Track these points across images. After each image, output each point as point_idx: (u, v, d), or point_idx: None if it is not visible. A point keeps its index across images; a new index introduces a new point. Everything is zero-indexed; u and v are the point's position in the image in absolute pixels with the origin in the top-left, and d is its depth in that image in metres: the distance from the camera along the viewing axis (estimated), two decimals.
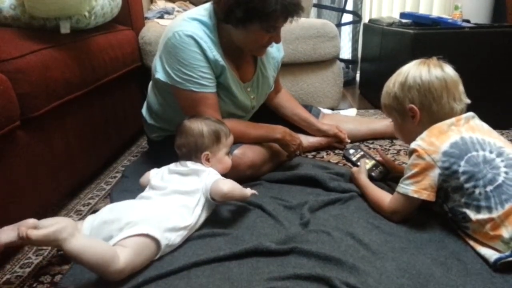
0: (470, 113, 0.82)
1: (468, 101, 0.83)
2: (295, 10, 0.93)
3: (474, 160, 0.75)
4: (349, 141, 1.29)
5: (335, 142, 1.30)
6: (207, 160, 0.88)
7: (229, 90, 1.04)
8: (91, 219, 0.75)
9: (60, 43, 0.98)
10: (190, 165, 0.87)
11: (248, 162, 1.03)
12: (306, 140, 1.27)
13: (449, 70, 0.82)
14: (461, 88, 0.82)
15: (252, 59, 1.12)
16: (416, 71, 0.82)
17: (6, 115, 0.75)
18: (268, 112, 1.26)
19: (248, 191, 0.84)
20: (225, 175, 1.00)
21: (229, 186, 0.82)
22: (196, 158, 0.88)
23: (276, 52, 1.18)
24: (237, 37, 0.99)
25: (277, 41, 1.01)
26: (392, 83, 0.86)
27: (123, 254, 0.67)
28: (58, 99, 0.93)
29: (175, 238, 0.76)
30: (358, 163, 1.04)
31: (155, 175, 0.88)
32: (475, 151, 0.76)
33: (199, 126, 0.89)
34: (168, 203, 0.79)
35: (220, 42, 1.00)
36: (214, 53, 0.98)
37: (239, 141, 1.03)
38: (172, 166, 0.89)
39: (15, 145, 0.81)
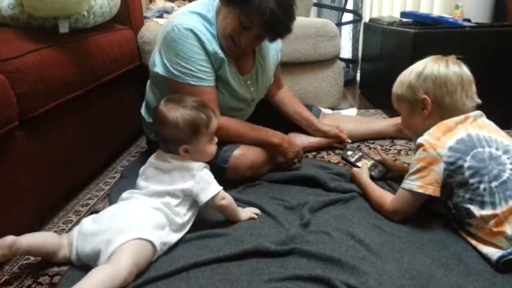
0: (478, 112, 0.82)
1: (479, 101, 0.83)
2: (276, 21, 0.89)
3: (480, 156, 0.75)
4: (349, 141, 1.28)
5: (336, 142, 1.30)
6: (186, 152, 0.81)
7: (228, 83, 1.04)
8: (76, 233, 0.74)
9: (59, 42, 0.98)
10: (171, 159, 0.81)
11: (247, 164, 1.02)
12: (307, 140, 1.27)
13: (465, 68, 0.83)
14: (474, 87, 0.83)
15: (251, 52, 1.11)
16: (434, 64, 0.83)
17: (4, 115, 0.74)
18: (271, 111, 1.26)
19: (244, 216, 0.85)
20: (226, 176, 1.00)
21: (228, 202, 0.82)
22: (174, 149, 0.81)
23: (274, 44, 1.17)
24: (219, 21, 0.97)
25: (244, 44, 0.96)
26: (409, 73, 0.86)
27: (123, 259, 0.66)
28: (57, 99, 0.93)
29: (166, 235, 0.76)
30: (357, 164, 1.04)
31: (141, 174, 0.85)
32: (481, 147, 0.76)
33: (174, 117, 0.79)
34: (150, 203, 0.78)
35: (218, 39, 0.99)
36: (213, 45, 0.97)
37: (237, 141, 1.02)
38: (153, 159, 0.84)
39: (13, 146, 0.80)
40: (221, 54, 0.99)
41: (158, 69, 1.00)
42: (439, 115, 0.81)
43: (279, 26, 0.92)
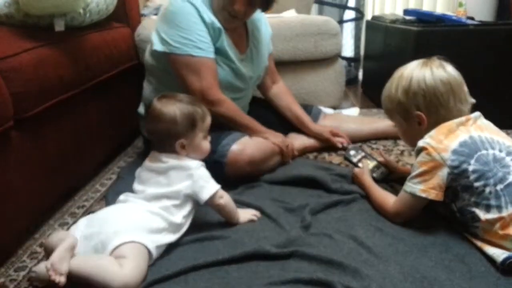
0: (477, 113, 0.81)
1: (473, 100, 0.82)
2: None
3: (484, 158, 0.74)
4: (340, 146, 1.24)
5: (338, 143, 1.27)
6: (183, 147, 0.79)
7: (227, 55, 1.05)
8: (72, 233, 0.72)
9: (54, 41, 0.96)
10: (166, 159, 0.79)
11: (246, 159, 1.01)
12: (308, 140, 1.25)
13: (451, 71, 0.80)
14: (465, 88, 0.81)
15: (244, 33, 1.13)
16: (419, 74, 0.80)
17: None
18: (270, 113, 1.25)
19: (242, 218, 0.84)
20: (224, 172, 0.98)
21: (225, 201, 0.81)
22: (170, 146, 0.79)
23: (265, 30, 1.21)
24: None
25: (238, 11, 1.00)
26: (395, 88, 0.83)
27: (125, 264, 0.65)
28: (52, 98, 0.91)
29: (162, 238, 0.74)
30: (359, 164, 1.02)
31: (137, 177, 0.83)
32: (484, 149, 0.75)
33: (171, 111, 0.78)
34: (148, 207, 0.76)
35: (214, 13, 1.02)
36: (210, 15, 1.00)
37: (233, 120, 1.05)
38: (148, 161, 0.82)
39: (8, 146, 0.79)
40: (218, 24, 1.01)
41: (157, 46, 1.02)
42: (435, 124, 0.79)
43: None
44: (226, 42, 1.04)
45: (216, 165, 0.94)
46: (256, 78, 1.18)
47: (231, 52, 1.06)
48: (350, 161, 1.06)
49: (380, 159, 1.06)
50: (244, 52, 1.12)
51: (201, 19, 0.98)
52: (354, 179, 1.00)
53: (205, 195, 0.78)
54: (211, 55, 1.01)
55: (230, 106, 1.05)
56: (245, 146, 1.02)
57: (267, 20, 1.23)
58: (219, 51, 1.03)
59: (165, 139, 0.79)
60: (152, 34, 1.06)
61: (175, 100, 0.80)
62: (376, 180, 0.97)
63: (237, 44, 1.10)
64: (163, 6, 1.09)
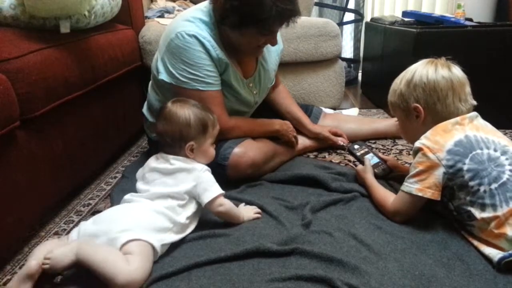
0: (474, 113, 0.82)
1: (474, 102, 0.83)
2: (290, 15, 0.94)
3: (479, 158, 0.75)
4: (341, 143, 1.26)
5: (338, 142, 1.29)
6: (191, 150, 0.83)
7: (232, 87, 1.05)
8: (75, 234, 0.73)
9: (60, 42, 0.98)
10: (174, 161, 0.82)
11: (249, 161, 1.02)
12: (308, 140, 1.27)
13: (456, 71, 0.82)
14: (467, 89, 0.82)
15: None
16: (423, 70, 0.82)
17: (5, 115, 0.74)
18: (267, 111, 1.26)
19: (247, 217, 0.85)
20: (226, 174, 1.00)
21: (225, 209, 0.82)
22: (179, 148, 0.83)
23: (275, 46, 1.17)
24: (233, 38, 0.99)
25: (273, 43, 1.00)
26: (399, 81, 0.86)
27: (132, 261, 0.66)
28: (58, 99, 0.93)
29: (167, 237, 0.76)
30: (362, 158, 1.04)
31: (141, 178, 0.85)
32: (479, 149, 0.76)
33: (185, 114, 0.83)
34: (153, 206, 0.77)
35: (221, 40, 1.00)
36: (217, 51, 0.98)
37: (248, 136, 1.07)
38: (153, 161, 0.84)
39: (14, 146, 0.80)
40: (225, 60, 1.00)
41: (163, 76, 1.00)
42: (433, 120, 0.81)
43: (293, 16, 0.95)
44: (232, 75, 1.03)
45: (218, 168, 0.95)
46: (260, 101, 1.19)
47: (237, 84, 1.06)
48: (353, 154, 1.08)
49: (382, 156, 1.08)
50: (252, 75, 1.11)
51: (208, 55, 0.97)
52: (357, 176, 1.01)
53: (206, 198, 0.79)
54: (218, 87, 1.01)
55: (240, 128, 1.06)
56: (247, 149, 1.03)
57: (280, 36, 1.19)
58: (224, 82, 1.03)
59: (176, 141, 0.82)
60: (157, 59, 1.03)
61: (189, 104, 0.85)
62: (377, 176, 0.99)
63: (246, 68, 1.09)
64: (165, 32, 1.02)
